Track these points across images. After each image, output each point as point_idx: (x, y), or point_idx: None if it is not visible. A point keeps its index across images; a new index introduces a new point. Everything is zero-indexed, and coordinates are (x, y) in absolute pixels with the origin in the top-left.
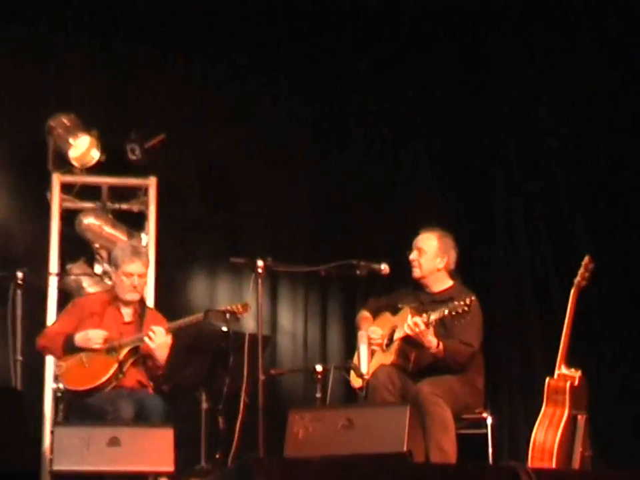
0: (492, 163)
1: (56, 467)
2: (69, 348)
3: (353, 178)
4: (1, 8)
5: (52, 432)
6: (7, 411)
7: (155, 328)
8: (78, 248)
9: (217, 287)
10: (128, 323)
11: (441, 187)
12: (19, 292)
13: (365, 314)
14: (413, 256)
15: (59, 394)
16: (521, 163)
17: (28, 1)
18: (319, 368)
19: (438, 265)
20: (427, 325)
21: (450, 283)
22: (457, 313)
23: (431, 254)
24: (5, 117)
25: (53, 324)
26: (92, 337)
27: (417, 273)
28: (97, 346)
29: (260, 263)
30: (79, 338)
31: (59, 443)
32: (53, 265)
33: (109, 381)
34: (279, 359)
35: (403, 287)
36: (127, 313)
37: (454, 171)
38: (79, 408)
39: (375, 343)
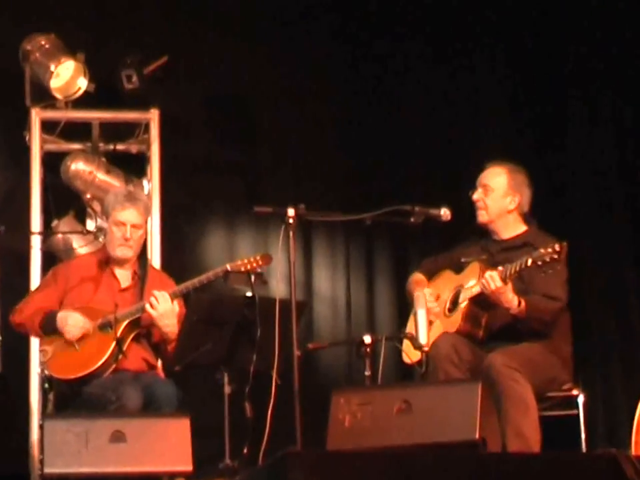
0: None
1: (48, 469)
2: (50, 328)
3: (399, 107)
4: None
5: (41, 426)
6: None
7: (156, 293)
8: (65, 200)
9: (237, 243)
10: (125, 290)
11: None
12: None
13: (418, 277)
14: (477, 195)
15: (47, 384)
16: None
17: None
18: (366, 339)
19: (508, 206)
20: (505, 279)
21: (523, 227)
22: (543, 262)
23: (500, 192)
24: None
25: (28, 298)
26: (70, 322)
27: (482, 216)
28: (70, 336)
29: (291, 211)
30: (61, 318)
31: (50, 440)
32: (35, 221)
33: (106, 364)
34: (316, 330)
35: (464, 240)
36: (124, 276)
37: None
38: (73, 397)
39: (433, 312)
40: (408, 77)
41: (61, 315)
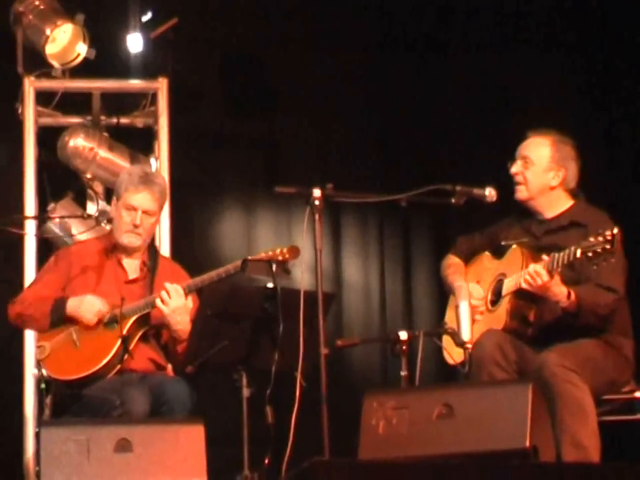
0: None
1: None
2: (58, 317)
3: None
4: None
5: (37, 434)
6: None
7: (168, 286)
8: (62, 180)
9: (255, 228)
10: (133, 282)
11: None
12: None
13: (454, 260)
14: (515, 168)
15: (43, 385)
16: None
17: None
18: (402, 335)
19: (551, 182)
20: (551, 272)
21: (569, 202)
22: (594, 253)
23: (542, 166)
24: None
25: (31, 286)
26: (86, 304)
27: (521, 192)
28: (86, 320)
29: (317, 192)
30: (73, 304)
31: (47, 450)
32: (29, 204)
33: (110, 364)
34: (346, 325)
35: (504, 218)
36: (132, 266)
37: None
38: (72, 401)
39: (477, 311)
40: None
41: (72, 301)
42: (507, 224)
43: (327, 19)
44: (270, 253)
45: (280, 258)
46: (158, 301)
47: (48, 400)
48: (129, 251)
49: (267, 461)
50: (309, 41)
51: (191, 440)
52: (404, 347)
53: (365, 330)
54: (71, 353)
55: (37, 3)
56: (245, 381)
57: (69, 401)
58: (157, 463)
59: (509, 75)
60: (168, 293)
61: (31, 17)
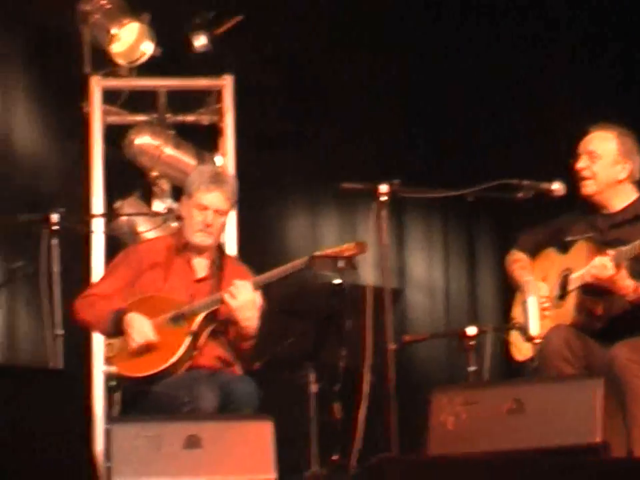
0: None
1: (116, 479)
2: (117, 330)
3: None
4: None
5: (107, 431)
6: (51, 400)
7: (236, 282)
8: (128, 178)
9: (320, 224)
10: (202, 280)
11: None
12: (54, 241)
13: (518, 255)
14: (582, 163)
15: (113, 382)
16: None
17: None
18: (470, 331)
19: (619, 175)
20: (617, 265)
21: (634, 195)
22: None
23: (609, 159)
24: (20, 2)
25: (98, 283)
26: (136, 328)
27: (589, 187)
28: (134, 344)
29: (384, 187)
30: (127, 320)
31: (118, 447)
32: (97, 202)
33: (179, 361)
34: (410, 321)
35: (566, 213)
36: (201, 265)
37: None
38: (141, 398)
39: (544, 308)
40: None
41: (127, 318)
42: (571, 219)
43: (380, 17)
44: (339, 249)
45: (347, 254)
46: (226, 296)
47: (117, 397)
48: (199, 250)
49: (335, 457)
50: (368, 40)
51: (259, 436)
52: (471, 343)
53: (429, 325)
54: (141, 351)
55: (103, 2)
56: (312, 377)
57: (138, 398)
58: (226, 459)
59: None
60: (237, 288)
61: (97, 16)
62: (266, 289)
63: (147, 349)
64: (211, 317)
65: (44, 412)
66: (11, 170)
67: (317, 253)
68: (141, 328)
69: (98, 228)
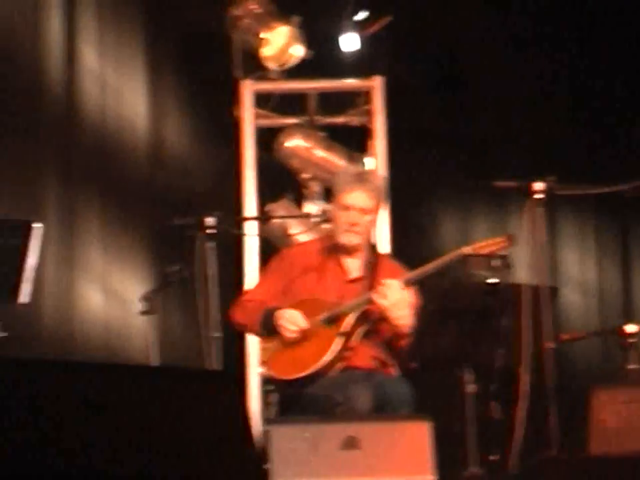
0: None
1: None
2: (269, 329)
3: None
4: None
5: (265, 432)
6: (211, 401)
7: (386, 281)
8: (280, 181)
9: (471, 223)
10: (354, 281)
11: None
12: (209, 245)
13: None
14: None
15: (269, 385)
16: None
17: None
18: (630, 328)
19: None
20: None
21: None
22: None
23: None
24: (170, 7)
25: (252, 288)
26: (287, 318)
27: None
28: (289, 334)
29: (539, 185)
30: (277, 316)
31: (277, 448)
32: (250, 205)
33: (333, 362)
34: (563, 320)
35: None
36: (353, 266)
37: None
38: (297, 399)
39: None
40: None
41: (278, 313)
42: None
43: (528, 14)
44: (485, 243)
45: (496, 246)
46: (376, 296)
47: (273, 399)
48: (349, 250)
49: (494, 457)
50: (514, 40)
51: (416, 436)
52: (630, 340)
53: (582, 324)
54: (293, 353)
55: (252, 6)
56: (469, 376)
57: (294, 400)
58: (384, 460)
59: None
60: (386, 287)
61: (247, 20)
62: (419, 288)
63: (300, 348)
64: (363, 317)
65: (205, 412)
66: (164, 174)
67: (468, 250)
68: (291, 318)
69: (251, 231)
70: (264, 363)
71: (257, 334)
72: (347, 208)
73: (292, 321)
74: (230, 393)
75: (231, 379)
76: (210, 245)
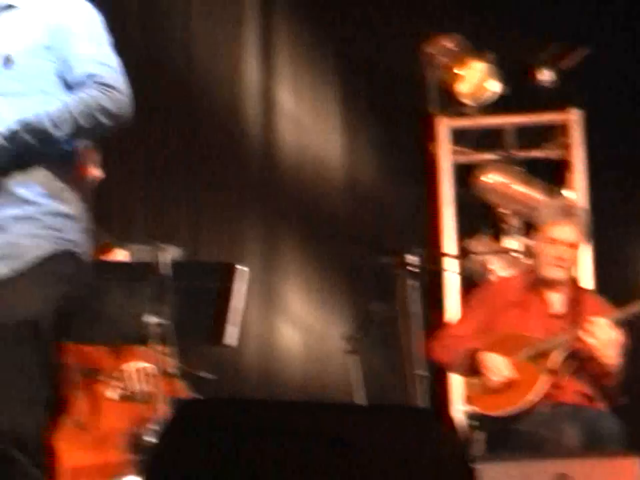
0: None
1: None
2: (471, 369)
3: None
4: None
5: (475, 470)
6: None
7: (594, 320)
8: (478, 216)
9: None
10: (558, 316)
11: None
12: (412, 282)
13: None
14: None
15: (474, 422)
16: None
17: None
18: None
19: None
20: None
21: None
22: None
23: None
24: (363, 45)
25: (453, 324)
26: (491, 366)
27: None
28: (491, 382)
29: None
30: (480, 359)
31: None
32: (449, 241)
33: (538, 398)
34: None
35: None
36: (556, 301)
37: None
38: (504, 436)
39: None
40: None
41: (482, 357)
42: None
43: None
44: None
45: None
46: (584, 334)
47: (478, 436)
48: (552, 285)
49: None
50: None
51: (627, 473)
52: None
53: None
54: (501, 389)
55: (446, 43)
56: None
57: (501, 436)
58: None
59: None
60: (594, 325)
61: (442, 58)
62: (627, 325)
63: (506, 386)
64: (570, 355)
65: (418, 451)
66: (360, 211)
67: None
68: (496, 366)
69: (451, 267)
70: (469, 398)
71: (459, 373)
72: (552, 241)
73: (497, 368)
74: (437, 431)
75: (436, 417)
76: (412, 283)
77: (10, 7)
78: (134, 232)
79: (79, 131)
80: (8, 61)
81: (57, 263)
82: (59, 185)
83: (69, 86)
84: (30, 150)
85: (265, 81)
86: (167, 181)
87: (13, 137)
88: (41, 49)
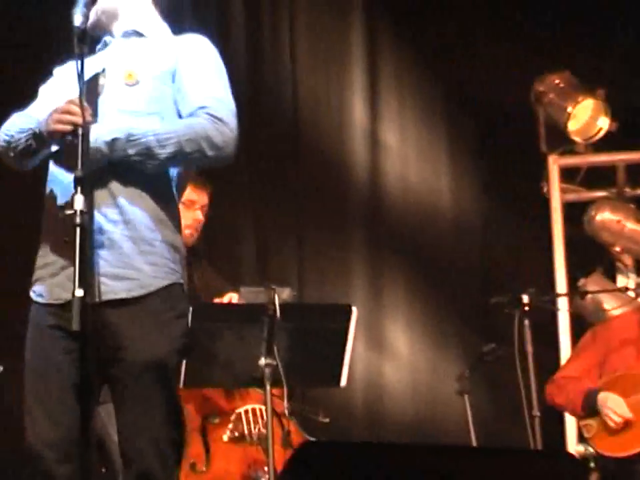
0: None
1: None
2: (591, 410)
3: None
4: None
5: None
6: None
7: None
8: (590, 255)
9: None
10: None
11: None
12: (526, 322)
13: None
14: None
15: (592, 463)
16: None
17: None
18: None
19: None
20: None
21: None
22: None
23: None
24: (470, 83)
25: (566, 365)
26: (612, 406)
27: None
28: (611, 423)
29: None
30: (600, 398)
31: None
32: (560, 281)
33: None
34: None
35: None
36: None
37: None
38: (622, 476)
39: None
40: None
41: (602, 398)
42: None
43: None
44: None
45: None
46: None
47: (595, 477)
48: None
49: None
50: None
51: None
52: None
53: None
54: (618, 430)
55: (557, 81)
56: None
57: (617, 477)
58: None
59: None
60: None
61: (551, 95)
62: None
63: (625, 427)
64: None
65: None
66: (468, 251)
67: None
68: (616, 407)
69: (563, 306)
70: (587, 439)
71: (575, 415)
72: None
73: (617, 409)
74: (555, 475)
75: (553, 460)
76: (526, 322)
77: (138, 34)
78: (242, 274)
79: (181, 155)
80: (133, 80)
81: (172, 296)
82: (170, 213)
83: (179, 115)
84: (128, 161)
85: (371, 122)
86: (273, 220)
87: (112, 143)
88: (166, 75)
